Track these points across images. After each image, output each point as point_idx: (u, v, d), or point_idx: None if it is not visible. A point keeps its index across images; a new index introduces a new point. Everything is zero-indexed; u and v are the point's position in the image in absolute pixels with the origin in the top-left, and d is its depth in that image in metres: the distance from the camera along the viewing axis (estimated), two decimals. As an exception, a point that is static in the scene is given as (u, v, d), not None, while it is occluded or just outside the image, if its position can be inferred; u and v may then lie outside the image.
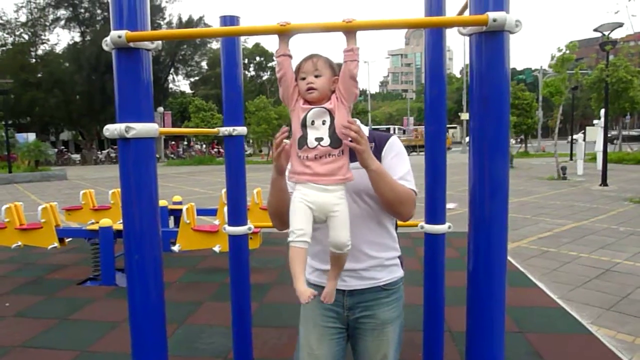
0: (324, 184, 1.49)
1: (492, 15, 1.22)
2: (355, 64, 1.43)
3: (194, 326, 4.00)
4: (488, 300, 1.45)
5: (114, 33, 1.37)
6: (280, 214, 1.69)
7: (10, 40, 41.03)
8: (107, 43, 1.41)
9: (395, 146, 1.78)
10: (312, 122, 1.48)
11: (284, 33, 1.38)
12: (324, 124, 1.48)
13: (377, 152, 1.72)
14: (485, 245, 1.42)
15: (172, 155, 38.07)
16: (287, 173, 1.61)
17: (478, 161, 1.32)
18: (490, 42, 1.27)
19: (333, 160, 1.48)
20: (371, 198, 1.74)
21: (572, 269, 5.48)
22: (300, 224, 1.48)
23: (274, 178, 1.64)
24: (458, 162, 19.96)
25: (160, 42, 1.45)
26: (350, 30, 1.36)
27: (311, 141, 1.47)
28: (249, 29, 1.38)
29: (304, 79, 1.51)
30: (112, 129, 1.44)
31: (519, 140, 32.80)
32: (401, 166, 1.74)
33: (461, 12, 2.02)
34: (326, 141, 1.47)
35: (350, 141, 1.45)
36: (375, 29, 1.32)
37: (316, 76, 1.50)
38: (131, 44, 1.38)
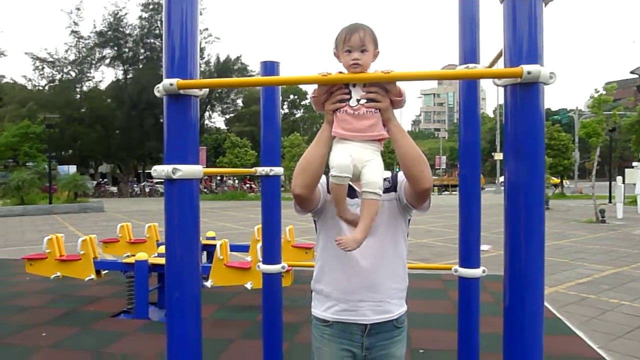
0: (361, 140, 1.59)
1: (526, 68, 1.26)
2: (401, 105, 1.63)
3: (224, 363, 4.00)
4: (524, 348, 1.43)
5: (166, 81, 1.46)
6: (312, 169, 1.66)
7: (58, 77, 43.25)
8: (158, 90, 1.51)
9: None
10: (354, 84, 1.58)
11: (325, 83, 1.47)
12: (365, 85, 1.58)
13: (395, 182, 1.88)
14: (521, 292, 1.41)
15: (205, 190, 38.70)
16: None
17: (513, 211, 1.33)
18: (525, 93, 1.31)
19: (370, 117, 1.59)
20: (396, 232, 1.86)
21: (613, 317, 5.26)
22: (340, 160, 1.57)
23: (323, 127, 1.68)
24: (492, 203, 19.65)
25: (207, 88, 1.54)
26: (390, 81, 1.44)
27: (353, 101, 1.58)
28: (292, 79, 1.45)
29: (349, 51, 1.59)
30: (159, 170, 1.52)
31: (553, 185, 31.91)
32: None
33: (494, 61, 2.07)
34: (364, 101, 1.59)
35: (373, 101, 1.57)
36: (412, 79, 1.37)
37: (362, 51, 1.59)
38: (181, 91, 1.47)
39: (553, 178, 30.79)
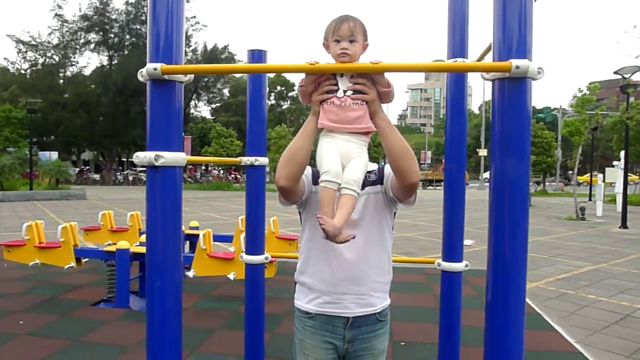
0: (347, 132, 1.58)
1: (515, 62, 1.25)
2: (389, 99, 1.61)
3: (205, 354, 3.98)
4: (506, 342, 1.44)
5: (149, 65, 1.43)
6: (296, 161, 1.65)
7: (41, 61, 42.42)
8: (142, 74, 1.47)
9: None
10: (341, 75, 1.57)
11: (313, 72, 1.45)
12: (352, 77, 1.57)
13: (381, 175, 1.86)
14: (503, 286, 1.42)
15: (190, 179, 38.39)
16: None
17: (498, 205, 1.33)
18: (513, 88, 1.30)
19: (357, 108, 1.57)
20: (381, 224, 1.85)
21: (590, 313, 5.35)
22: (332, 163, 1.57)
23: (309, 119, 1.66)
24: (476, 198, 19.83)
25: (192, 75, 1.51)
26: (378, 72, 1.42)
27: (340, 91, 1.57)
28: (279, 67, 1.43)
29: (338, 41, 1.58)
30: (141, 157, 1.48)
31: (534, 182, 32.23)
32: None
33: (483, 55, 2.07)
34: (349, 93, 1.58)
35: (360, 92, 1.56)
36: (400, 71, 1.36)
37: (351, 41, 1.57)
38: (165, 76, 1.44)
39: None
